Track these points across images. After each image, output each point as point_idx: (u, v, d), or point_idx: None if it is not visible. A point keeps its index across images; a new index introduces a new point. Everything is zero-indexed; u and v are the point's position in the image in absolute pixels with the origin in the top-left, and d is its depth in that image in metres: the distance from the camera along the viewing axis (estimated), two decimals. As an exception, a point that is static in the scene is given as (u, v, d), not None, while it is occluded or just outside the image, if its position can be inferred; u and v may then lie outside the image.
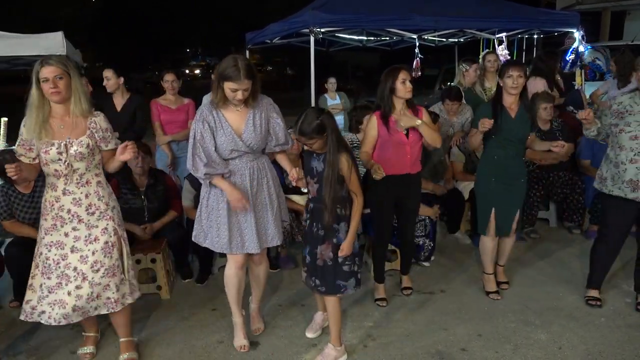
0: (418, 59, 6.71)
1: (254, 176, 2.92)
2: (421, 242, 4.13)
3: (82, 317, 2.80)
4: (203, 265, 4.10)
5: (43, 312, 2.73)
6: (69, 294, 2.71)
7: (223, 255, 4.29)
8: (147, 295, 3.77)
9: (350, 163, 2.73)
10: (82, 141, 2.70)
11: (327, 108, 6.96)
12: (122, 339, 3.03)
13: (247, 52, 8.61)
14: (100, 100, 4.68)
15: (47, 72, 2.60)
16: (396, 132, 3.30)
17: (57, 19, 15.08)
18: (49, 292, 2.72)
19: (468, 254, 4.51)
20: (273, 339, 3.22)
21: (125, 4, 22.83)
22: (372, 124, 3.35)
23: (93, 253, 2.75)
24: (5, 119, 3.15)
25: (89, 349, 3.07)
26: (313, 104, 5.95)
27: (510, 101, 3.45)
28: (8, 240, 3.97)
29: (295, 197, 4.32)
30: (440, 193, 4.53)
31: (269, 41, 7.69)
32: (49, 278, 2.73)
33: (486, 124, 3.30)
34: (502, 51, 6.71)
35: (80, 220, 2.75)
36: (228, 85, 2.69)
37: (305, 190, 2.94)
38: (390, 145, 3.33)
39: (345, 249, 2.79)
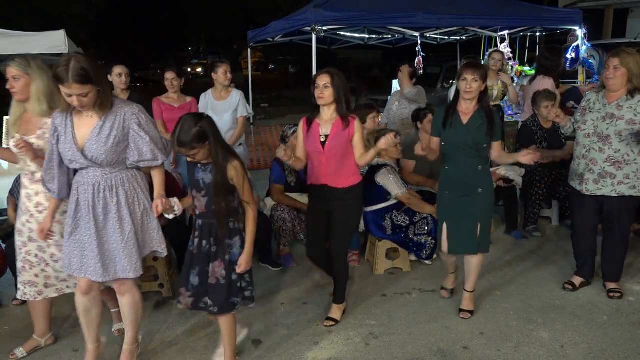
0: (420, 56, 6.71)
1: (99, 195, 2.58)
2: (423, 241, 4.13)
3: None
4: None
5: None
6: (36, 276, 2.92)
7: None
8: (150, 294, 3.78)
9: (240, 170, 2.55)
10: (28, 139, 2.79)
11: None
12: (113, 310, 3.29)
13: (250, 50, 8.63)
14: None
15: (8, 72, 2.78)
16: (313, 139, 3.12)
17: (61, 17, 15.09)
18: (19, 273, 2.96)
19: (470, 252, 4.50)
20: (275, 337, 3.22)
21: (128, 2, 22.82)
22: (300, 128, 3.23)
23: (49, 246, 2.89)
24: (7, 117, 3.15)
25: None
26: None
27: (465, 105, 3.19)
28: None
29: (295, 195, 4.32)
30: (435, 213, 4.40)
31: (271, 39, 7.70)
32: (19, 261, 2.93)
33: (419, 150, 3.14)
34: (504, 49, 6.71)
35: (31, 215, 2.88)
36: (61, 89, 2.43)
37: (171, 217, 2.68)
38: (309, 152, 3.18)
39: (243, 264, 2.62)
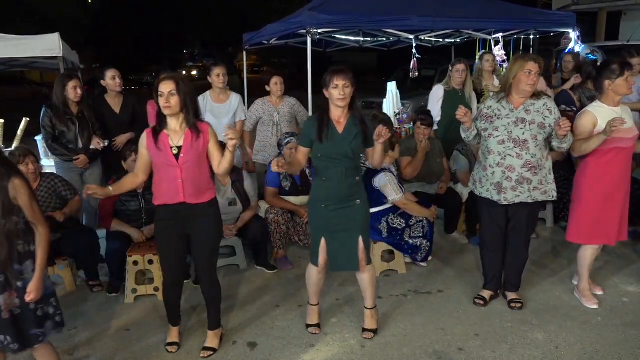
0: (415, 59, 6.73)
1: None
2: (418, 243, 4.13)
3: None
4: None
5: None
6: None
7: (220, 257, 4.30)
8: (145, 297, 3.76)
9: (23, 189, 2.27)
10: None
11: None
12: None
13: (244, 52, 8.63)
14: (94, 103, 4.69)
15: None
16: (164, 152, 2.81)
17: (55, 19, 15.08)
18: None
19: (465, 254, 4.52)
20: (271, 339, 3.22)
21: (123, 5, 22.80)
22: (141, 140, 2.89)
23: None
24: (2, 120, 3.12)
25: None
26: (310, 105, 5.95)
27: (338, 114, 2.95)
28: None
29: (291, 199, 4.34)
30: (430, 216, 4.20)
31: (266, 42, 7.70)
32: None
33: (274, 166, 2.89)
34: (499, 52, 6.75)
35: None
36: None
37: None
38: (159, 167, 2.86)
39: (33, 291, 2.30)
